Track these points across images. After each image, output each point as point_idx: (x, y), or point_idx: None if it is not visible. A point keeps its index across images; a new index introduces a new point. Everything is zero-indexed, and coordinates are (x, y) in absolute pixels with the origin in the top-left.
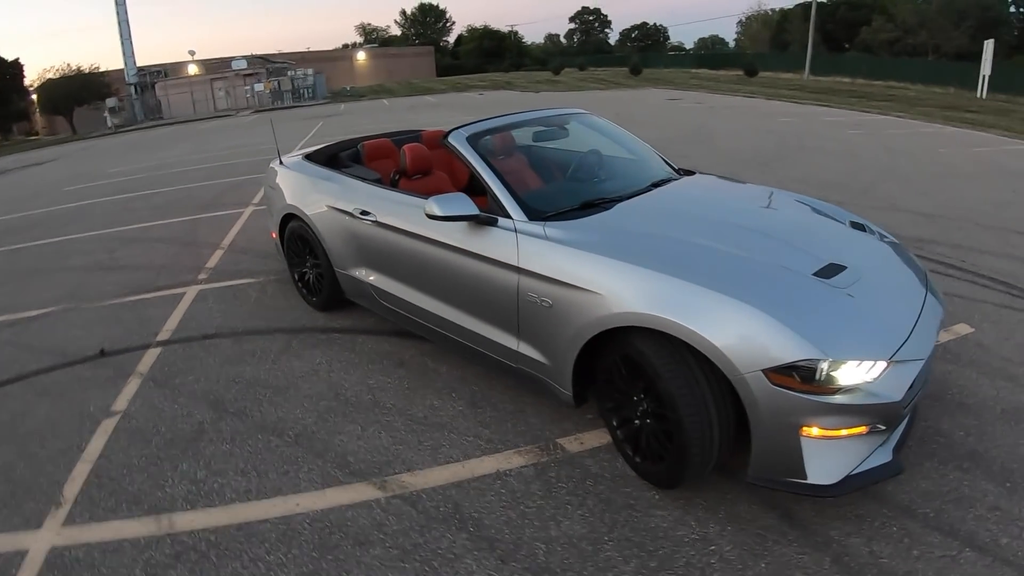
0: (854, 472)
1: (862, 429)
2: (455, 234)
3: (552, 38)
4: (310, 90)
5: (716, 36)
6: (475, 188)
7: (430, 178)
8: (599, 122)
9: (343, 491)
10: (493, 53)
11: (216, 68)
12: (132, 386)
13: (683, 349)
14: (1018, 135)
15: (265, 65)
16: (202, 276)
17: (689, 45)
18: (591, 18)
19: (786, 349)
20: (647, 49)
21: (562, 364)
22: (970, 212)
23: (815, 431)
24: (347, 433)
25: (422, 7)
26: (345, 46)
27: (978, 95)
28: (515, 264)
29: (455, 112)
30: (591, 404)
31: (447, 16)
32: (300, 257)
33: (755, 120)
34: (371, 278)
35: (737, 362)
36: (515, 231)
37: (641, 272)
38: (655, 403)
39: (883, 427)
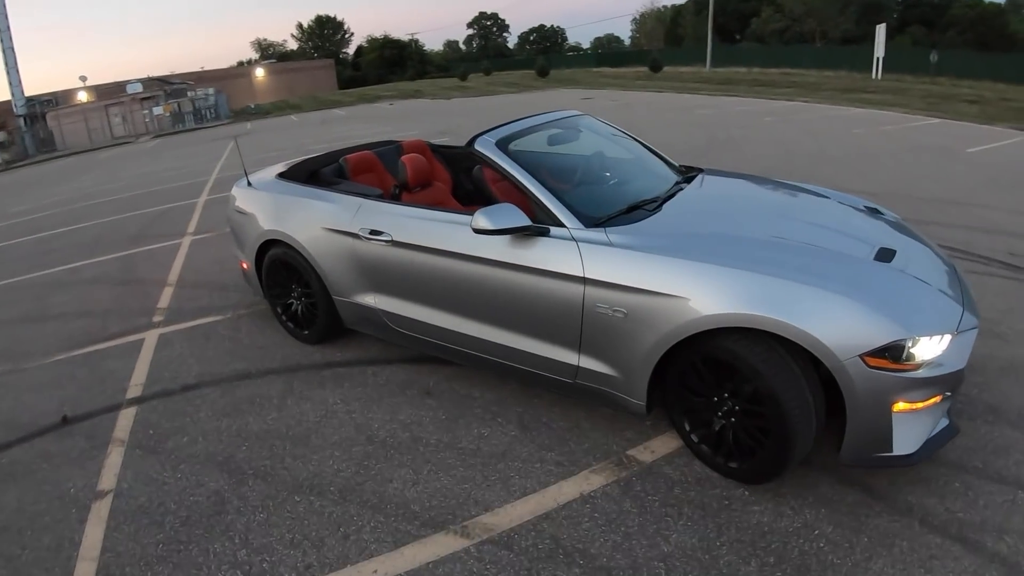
0: (928, 439)
1: (937, 398)
2: (499, 248)
3: (451, 44)
4: (212, 110)
5: (612, 35)
6: (475, 197)
7: (431, 189)
8: (596, 124)
9: (422, 546)
10: (395, 62)
11: (110, 93)
12: (115, 457)
13: (775, 343)
14: (918, 112)
15: (163, 87)
16: (158, 318)
17: (586, 45)
18: (489, 23)
19: (879, 332)
20: (546, 51)
21: (637, 374)
22: (907, 188)
23: (901, 405)
24: (399, 479)
25: (319, 20)
26: (241, 63)
27: (873, 76)
28: (580, 275)
29: (370, 124)
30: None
31: (345, 28)
32: (284, 287)
33: (675, 114)
34: (383, 303)
35: (836, 350)
36: (574, 240)
37: (728, 272)
38: (747, 401)
39: (950, 394)
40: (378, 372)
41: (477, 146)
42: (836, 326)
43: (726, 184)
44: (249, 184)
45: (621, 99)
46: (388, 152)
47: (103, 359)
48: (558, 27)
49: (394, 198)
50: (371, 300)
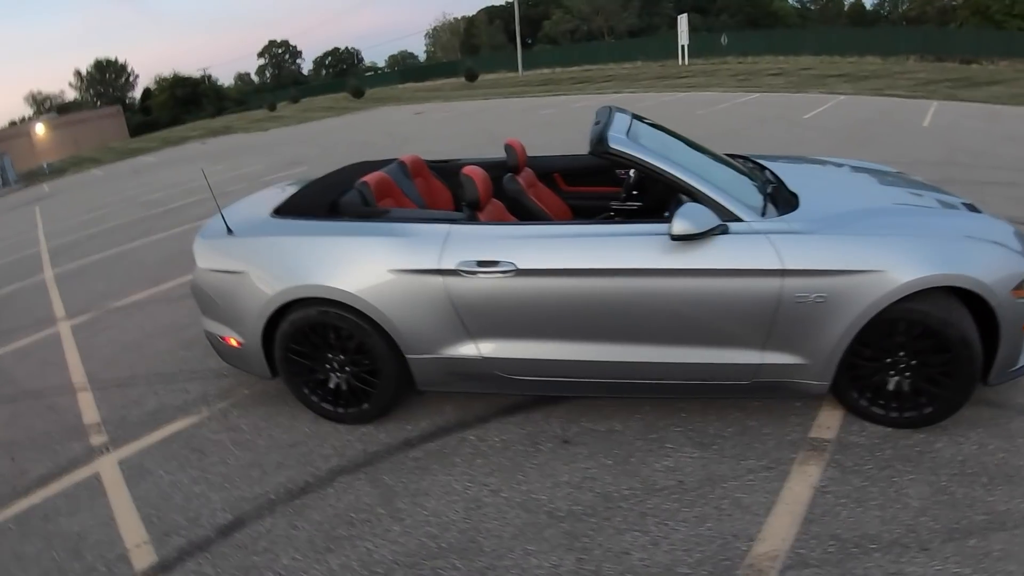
0: None
1: None
2: (679, 255)
3: (243, 77)
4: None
5: (407, 52)
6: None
7: (491, 206)
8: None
9: None
10: (189, 101)
11: None
12: None
13: (952, 295)
14: (736, 89)
15: None
16: (98, 439)
17: (382, 63)
18: (280, 51)
19: (1019, 267)
20: (343, 73)
21: (828, 356)
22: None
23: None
24: (634, 547)
25: (99, 64)
26: (14, 123)
27: (680, 63)
28: (778, 267)
29: (196, 164)
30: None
31: (129, 70)
32: (314, 359)
33: (523, 115)
34: (492, 350)
35: (997, 290)
36: (759, 233)
37: (908, 241)
38: (932, 351)
39: None
40: (482, 436)
41: (615, 146)
42: (994, 270)
43: (798, 167)
44: (230, 232)
45: (455, 110)
46: (393, 171)
47: (50, 518)
48: (353, 48)
49: (471, 219)
50: (471, 350)
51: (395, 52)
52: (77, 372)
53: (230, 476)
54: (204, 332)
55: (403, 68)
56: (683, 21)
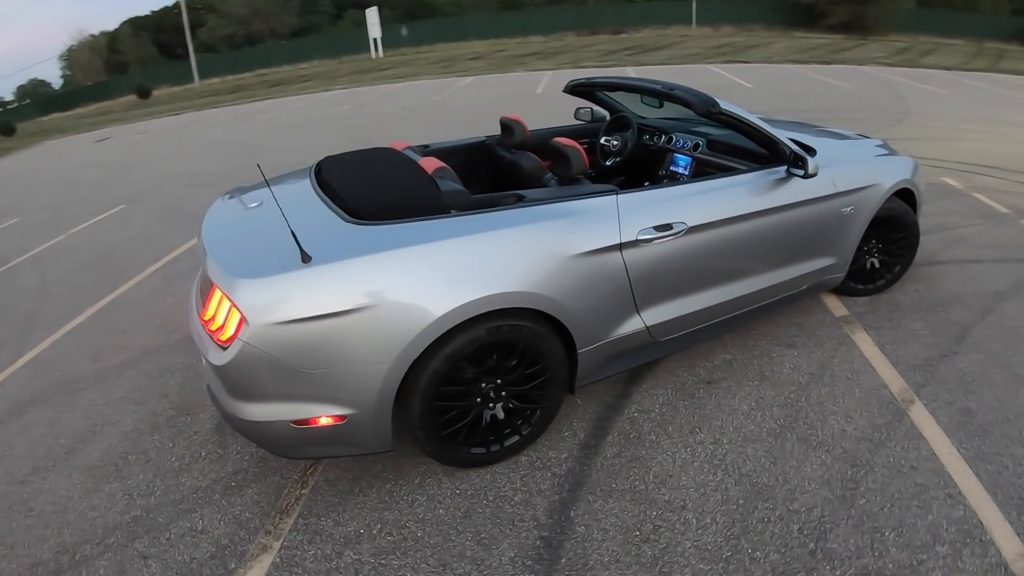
0: None
1: None
2: (791, 190)
3: None
4: None
5: (38, 80)
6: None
7: None
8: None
9: None
10: None
11: None
12: None
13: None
14: (446, 75)
15: None
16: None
17: (9, 97)
18: None
19: (910, 165)
20: None
21: (850, 251)
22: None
23: None
24: (830, 412)
25: None
26: None
27: (374, 56)
28: (833, 192)
29: None
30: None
31: None
32: (467, 397)
33: (246, 123)
34: (652, 317)
35: (915, 183)
36: (816, 168)
37: (887, 160)
38: (891, 235)
39: None
40: (641, 409)
41: (723, 106)
42: (909, 171)
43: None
44: (307, 259)
45: (150, 129)
46: (416, 154)
47: None
48: None
49: (623, 188)
50: (636, 323)
51: (24, 82)
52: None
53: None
54: (240, 427)
55: (40, 98)
56: (373, 14)
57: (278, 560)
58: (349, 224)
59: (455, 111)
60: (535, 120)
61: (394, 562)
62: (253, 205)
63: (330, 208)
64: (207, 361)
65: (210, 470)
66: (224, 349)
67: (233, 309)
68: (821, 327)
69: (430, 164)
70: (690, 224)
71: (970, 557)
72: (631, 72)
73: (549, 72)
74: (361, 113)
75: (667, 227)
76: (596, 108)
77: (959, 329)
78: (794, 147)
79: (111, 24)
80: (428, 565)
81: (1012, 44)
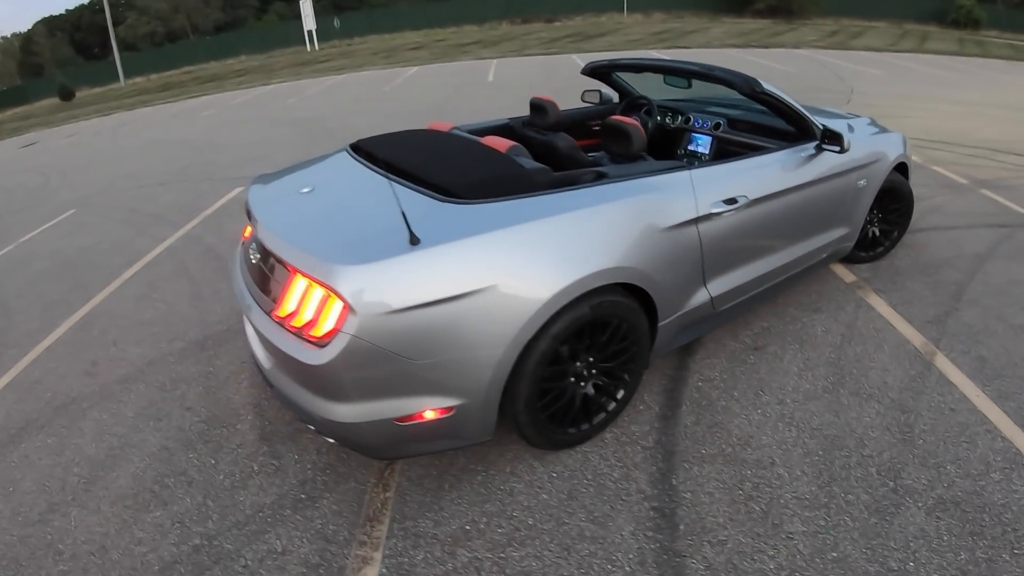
0: None
1: None
2: (827, 163)
3: None
4: None
5: None
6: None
7: None
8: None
9: None
10: None
11: None
12: None
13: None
14: (391, 65)
15: None
16: None
17: None
18: None
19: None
20: None
21: (859, 223)
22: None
23: None
24: (873, 363)
25: None
26: None
27: (312, 48)
28: (853, 166)
29: None
30: None
31: None
32: (564, 377)
33: (188, 121)
34: (715, 288)
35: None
36: (850, 144)
37: (883, 137)
38: (891, 205)
39: None
40: (702, 378)
41: (764, 84)
42: (901, 146)
43: None
44: (416, 241)
45: (81, 131)
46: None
47: None
48: None
49: (691, 164)
50: (703, 295)
51: None
52: None
53: None
54: (334, 431)
55: None
56: (308, 5)
57: (384, 571)
58: (446, 203)
59: (410, 99)
60: (494, 107)
61: (514, 554)
62: (305, 190)
63: (412, 188)
64: (282, 363)
65: (270, 485)
66: (322, 346)
67: (329, 300)
68: (837, 293)
69: (496, 143)
70: (751, 197)
71: (1019, 480)
72: (610, 55)
73: (495, 60)
74: (309, 106)
75: (733, 200)
76: (604, 91)
77: (955, 288)
78: (826, 124)
79: (24, 25)
80: (550, 551)
81: (930, 25)
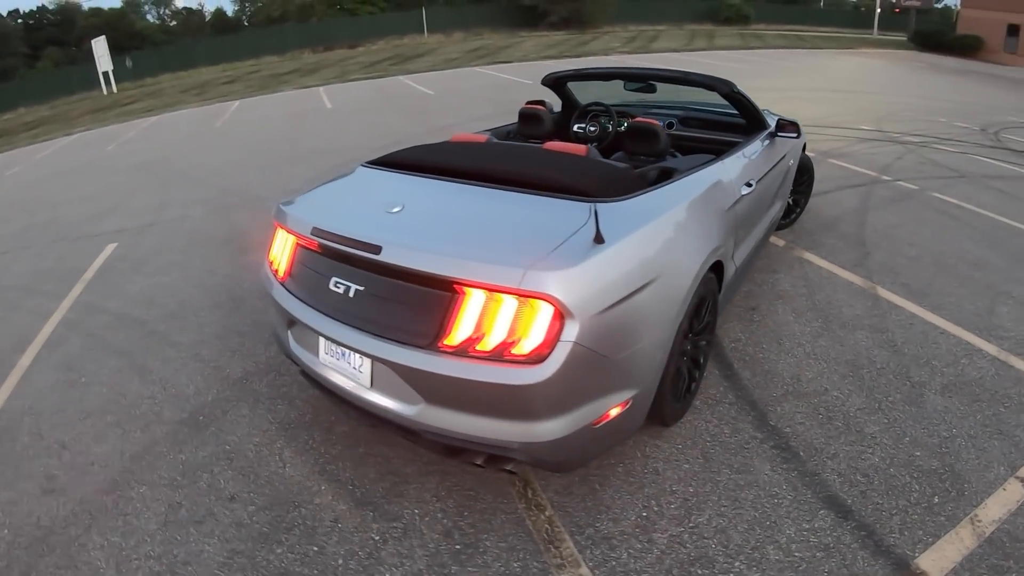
0: None
1: None
2: (779, 150)
3: None
4: None
5: None
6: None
7: None
8: None
9: None
10: None
11: None
12: None
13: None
14: (210, 102)
15: None
16: None
17: None
18: None
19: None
20: None
21: (787, 194)
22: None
23: None
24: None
25: None
26: None
27: (110, 90)
28: (789, 148)
29: None
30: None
31: None
32: (683, 353)
33: (7, 180)
34: (738, 256)
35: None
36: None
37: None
38: (800, 178)
39: None
40: (733, 339)
41: (736, 86)
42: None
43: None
44: (601, 240)
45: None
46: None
47: None
48: None
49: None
50: (732, 265)
51: None
52: None
53: None
54: (541, 452)
55: None
56: (101, 45)
57: None
58: (597, 203)
59: (251, 132)
60: (351, 134)
61: (700, 519)
62: (396, 209)
63: (538, 194)
64: (459, 397)
65: (410, 549)
66: (538, 362)
67: (527, 312)
68: (780, 255)
69: (571, 148)
70: (755, 180)
71: (980, 361)
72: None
73: (321, 87)
74: (137, 150)
75: (749, 184)
76: (548, 101)
77: (855, 238)
78: (778, 118)
79: None
80: (725, 506)
81: (706, 24)
